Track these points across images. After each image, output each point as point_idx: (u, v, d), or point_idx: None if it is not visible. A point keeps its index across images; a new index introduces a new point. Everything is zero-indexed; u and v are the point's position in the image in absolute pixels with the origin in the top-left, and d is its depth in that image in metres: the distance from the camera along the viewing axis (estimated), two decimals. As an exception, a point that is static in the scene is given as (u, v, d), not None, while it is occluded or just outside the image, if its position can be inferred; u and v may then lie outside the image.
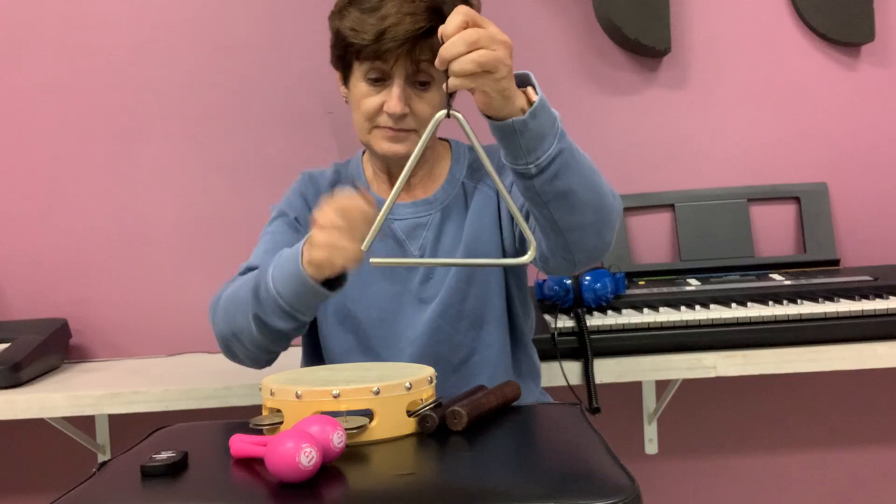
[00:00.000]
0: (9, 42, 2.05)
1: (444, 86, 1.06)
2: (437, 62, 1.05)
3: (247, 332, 1.27)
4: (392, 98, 1.32)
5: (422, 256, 1.42)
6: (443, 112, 1.06)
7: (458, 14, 1.05)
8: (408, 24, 1.28)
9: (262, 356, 1.32)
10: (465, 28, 1.04)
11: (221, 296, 1.35)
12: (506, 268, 1.44)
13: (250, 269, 1.37)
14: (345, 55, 1.36)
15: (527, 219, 1.32)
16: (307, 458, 0.89)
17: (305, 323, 1.27)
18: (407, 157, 1.35)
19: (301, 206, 1.47)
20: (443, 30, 1.05)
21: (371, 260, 1.09)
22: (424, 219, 1.44)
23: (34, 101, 2.06)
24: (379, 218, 1.07)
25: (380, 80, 1.34)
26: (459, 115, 1.06)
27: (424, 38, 1.30)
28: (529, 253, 1.09)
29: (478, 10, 1.36)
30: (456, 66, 1.04)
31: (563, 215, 1.17)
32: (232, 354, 1.34)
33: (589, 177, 1.18)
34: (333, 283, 1.21)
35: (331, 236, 1.14)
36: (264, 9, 2.05)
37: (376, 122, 1.36)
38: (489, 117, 1.12)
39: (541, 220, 1.20)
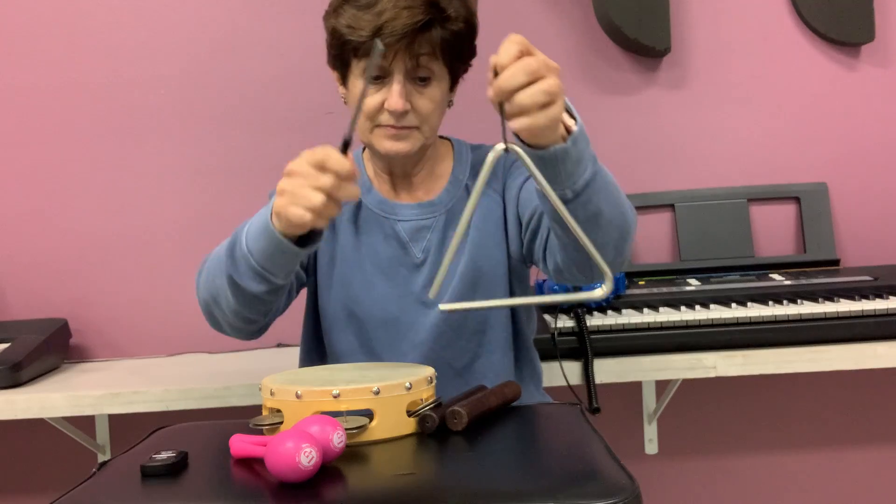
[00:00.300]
0: (9, 42, 2.05)
1: (501, 120, 1.00)
2: (493, 94, 0.99)
3: (223, 296, 1.23)
4: (392, 95, 1.30)
5: (426, 258, 1.40)
6: (500, 146, 0.99)
7: (513, 43, 1.00)
8: (405, 18, 1.26)
9: (241, 325, 1.27)
10: (520, 57, 1.00)
11: (208, 258, 1.30)
12: (511, 277, 1.41)
13: None
14: (342, 54, 1.33)
15: (536, 229, 1.32)
16: (307, 458, 0.89)
17: (279, 286, 1.21)
18: (409, 154, 1.36)
19: None
20: (496, 60, 0.99)
21: (440, 306, 1.06)
22: (429, 221, 1.42)
23: (34, 102, 2.06)
24: (444, 262, 1.00)
25: (379, 78, 1.31)
26: (518, 149, 0.99)
27: (422, 32, 1.27)
28: (605, 288, 0.99)
29: (474, 7, 1.37)
30: (524, 99, 0.98)
31: (589, 235, 1.08)
32: (214, 321, 1.30)
33: (614, 195, 1.16)
34: (305, 240, 1.16)
35: (294, 183, 1.08)
36: (264, 9, 2.05)
37: (377, 120, 1.33)
38: (529, 145, 1.05)
39: (563, 238, 1.17)
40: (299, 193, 1.07)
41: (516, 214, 1.40)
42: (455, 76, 1.38)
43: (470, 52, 1.38)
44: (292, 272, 1.22)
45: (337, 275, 1.42)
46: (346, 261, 1.42)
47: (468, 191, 1.44)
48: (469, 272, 1.39)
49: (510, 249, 1.41)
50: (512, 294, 1.42)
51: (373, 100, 1.32)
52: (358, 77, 1.33)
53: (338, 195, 1.08)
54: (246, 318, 1.26)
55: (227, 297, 1.23)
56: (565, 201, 1.07)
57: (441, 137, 1.49)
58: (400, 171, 1.43)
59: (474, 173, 1.45)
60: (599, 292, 0.99)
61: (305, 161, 1.09)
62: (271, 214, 1.13)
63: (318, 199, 1.07)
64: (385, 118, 1.32)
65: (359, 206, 1.44)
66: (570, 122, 1.09)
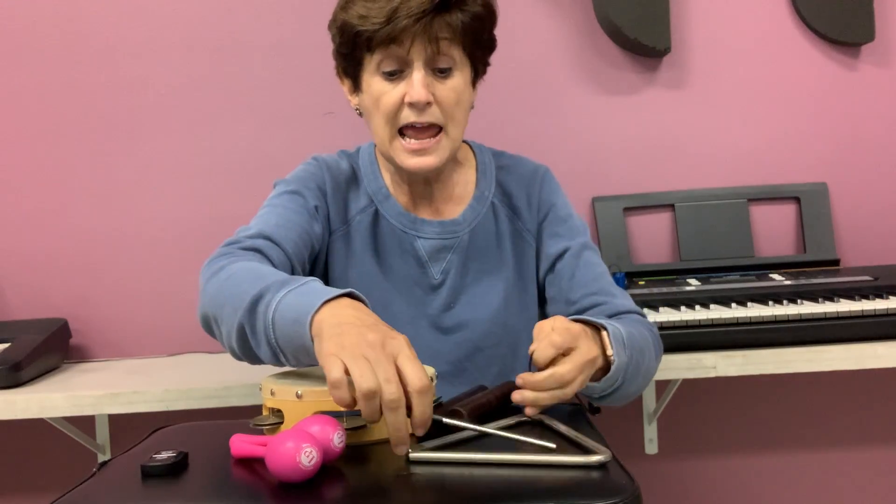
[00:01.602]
0: (9, 42, 2.05)
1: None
2: (520, 396, 1.06)
3: (226, 330, 1.10)
4: (414, 84, 1.20)
5: (444, 280, 1.34)
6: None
7: (550, 348, 1.06)
8: None
9: (232, 354, 1.14)
10: (555, 357, 1.06)
11: (221, 269, 1.13)
12: (543, 305, 1.40)
13: (260, 235, 1.20)
14: (354, 50, 1.24)
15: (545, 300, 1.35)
16: (307, 458, 0.89)
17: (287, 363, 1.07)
18: (437, 168, 1.26)
19: (320, 197, 1.32)
20: (536, 356, 1.06)
21: (411, 454, 0.96)
22: (450, 241, 1.35)
23: (34, 101, 2.06)
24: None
25: (396, 73, 1.22)
26: None
27: (441, 14, 1.19)
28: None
29: (494, 4, 1.29)
30: (544, 399, 1.06)
31: (611, 401, 1.21)
32: (209, 330, 1.16)
33: (643, 374, 1.22)
34: None
35: (369, 354, 0.88)
36: (264, 9, 2.05)
37: (399, 120, 1.23)
38: None
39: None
40: (362, 366, 0.86)
41: (541, 275, 1.39)
42: (475, 69, 1.30)
43: (490, 39, 1.30)
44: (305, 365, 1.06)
45: (352, 288, 1.31)
46: (363, 276, 1.33)
47: (494, 209, 1.38)
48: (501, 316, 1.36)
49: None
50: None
51: (392, 96, 1.23)
52: (374, 74, 1.24)
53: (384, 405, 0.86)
54: (237, 356, 1.13)
55: (230, 335, 1.09)
56: (594, 398, 1.18)
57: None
58: (420, 179, 1.34)
59: (501, 190, 1.39)
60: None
61: (392, 352, 0.89)
62: (313, 317, 0.96)
63: (370, 382, 0.85)
64: (406, 115, 1.23)
65: (376, 214, 1.36)
66: (609, 348, 1.15)
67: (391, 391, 0.84)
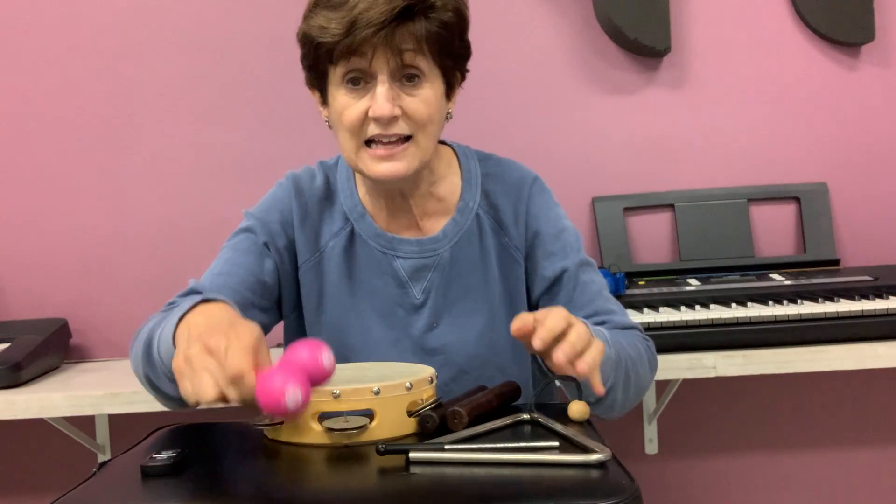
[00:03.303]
0: (8, 42, 2.05)
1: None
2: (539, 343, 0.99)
3: (146, 387, 1.17)
4: (377, 99, 1.14)
5: (426, 300, 1.29)
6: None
7: (561, 319, 1.01)
8: (382, 5, 1.11)
9: (166, 405, 1.18)
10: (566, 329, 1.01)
11: (137, 335, 1.17)
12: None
13: (192, 291, 1.20)
14: (317, 63, 1.20)
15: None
16: (293, 400, 0.86)
17: None
18: (406, 176, 1.19)
19: (275, 230, 1.29)
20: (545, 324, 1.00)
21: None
22: (430, 259, 1.29)
23: (34, 101, 2.06)
24: None
25: (360, 83, 1.17)
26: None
27: (404, 23, 1.13)
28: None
29: (465, 9, 1.24)
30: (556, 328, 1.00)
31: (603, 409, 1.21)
32: (149, 389, 1.18)
33: (634, 383, 1.21)
34: None
35: (196, 361, 0.89)
36: (264, 8, 2.05)
37: (364, 134, 1.17)
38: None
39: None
40: (196, 373, 0.88)
41: (535, 295, 1.33)
42: (449, 79, 1.24)
43: (462, 48, 1.24)
44: None
45: (328, 318, 1.30)
46: (339, 302, 1.30)
47: (479, 221, 1.31)
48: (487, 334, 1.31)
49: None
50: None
51: (355, 110, 1.17)
52: (338, 86, 1.19)
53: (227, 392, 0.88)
54: (171, 405, 1.17)
55: (149, 389, 1.16)
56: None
57: (441, 142, 1.34)
58: (395, 192, 1.28)
59: (487, 201, 1.32)
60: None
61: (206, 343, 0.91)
62: (173, 337, 1.02)
63: (209, 391, 0.87)
64: (371, 129, 1.17)
65: (351, 235, 1.31)
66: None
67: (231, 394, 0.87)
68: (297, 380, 0.87)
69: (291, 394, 0.86)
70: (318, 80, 1.23)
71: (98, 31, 2.05)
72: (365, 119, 1.17)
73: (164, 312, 1.17)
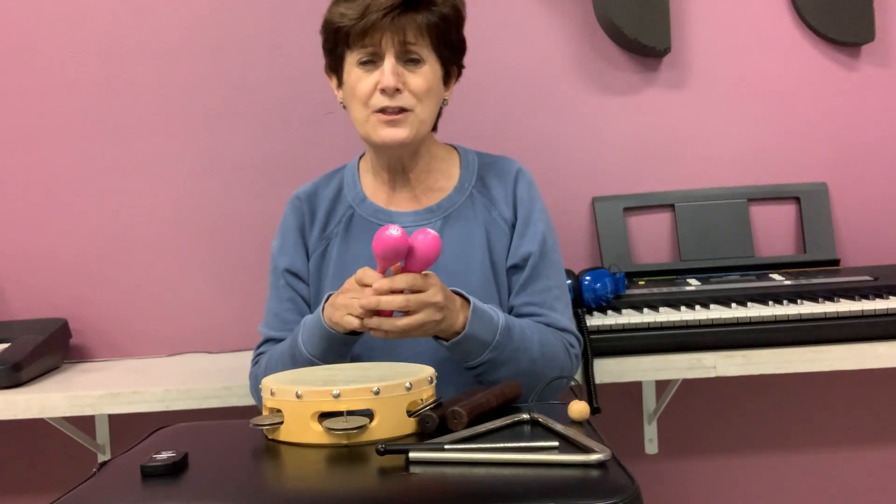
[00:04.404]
0: (9, 42, 2.05)
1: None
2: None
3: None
4: (385, 73, 1.35)
5: None
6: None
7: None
8: None
9: None
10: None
11: (259, 371, 1.43)
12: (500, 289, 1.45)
13: (270, 339, 1.47)
14: (336, 46, 1.40)
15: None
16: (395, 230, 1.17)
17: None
18: (407, 143, 1.39)
19: (292, 250, 1.49)
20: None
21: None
22: (423, 225, 1.43)
23: (34, 101, 2.06)
24: None
25: (371, 63, 1.37)
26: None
27: (408, 13, 1.34)
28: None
29: (462, 6, 1.42)
30: (386, 326, 1.24)
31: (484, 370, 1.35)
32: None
33: (522, 368, 1.32)
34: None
35: (344, 297, 1.27)
36: (264, 9, 2.05)
37: (372, 104, 1.37)
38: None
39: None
40: (348, 305, 1.26)
41: (507, 265, 1.46)
42: (446, 68, 1.42)
43: (458, 41, 1.44)
44: (349, 353, 1.37)
45: (324, 292, 1.43)
46: (334, 276, 1.45)
47: (472, 198, 1.47)
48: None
49: (498, 281, 1.46)
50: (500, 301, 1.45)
51: (366, 84, 1.37)
52: (353, 66, 1.38)
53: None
54: None
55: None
56: (467, 368, 1.33)
57: (445, 144, 1.51)
58: (398, 166, 1.45)
59: (481, 182, 1.49)
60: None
61: (353, 279, 1.28)
62: (324, 318, 1.32)
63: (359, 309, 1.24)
64: (378, 100, 1.37)
65: (351, 216, 1.48)
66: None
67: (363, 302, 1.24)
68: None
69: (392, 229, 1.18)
70: (336, 63, 1.43)
71: (98, 31, 2.05)
72: (374, 91, 1.37)
73: (263, 346, 1.49)
